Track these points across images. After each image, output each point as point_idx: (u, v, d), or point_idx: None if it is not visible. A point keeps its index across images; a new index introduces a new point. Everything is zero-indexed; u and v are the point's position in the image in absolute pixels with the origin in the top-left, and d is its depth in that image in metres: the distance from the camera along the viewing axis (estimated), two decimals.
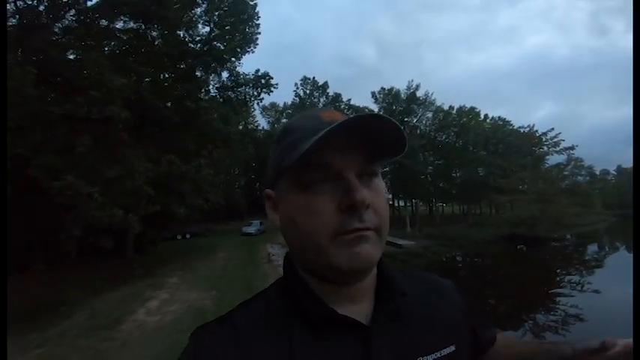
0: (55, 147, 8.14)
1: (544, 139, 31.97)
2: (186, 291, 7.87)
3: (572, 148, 28.45)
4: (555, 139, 29.90)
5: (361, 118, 0.41)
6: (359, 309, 0.48)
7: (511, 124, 45.26)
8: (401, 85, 50.61)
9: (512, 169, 29.16)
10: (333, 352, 0.43)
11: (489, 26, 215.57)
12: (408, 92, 39.96)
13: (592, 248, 24.77)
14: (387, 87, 40.51)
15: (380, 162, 0.48)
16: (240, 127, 28.27)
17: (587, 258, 20.59)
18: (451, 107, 43.38)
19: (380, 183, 0.48)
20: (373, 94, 40.64)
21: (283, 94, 66.44)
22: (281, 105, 42.63)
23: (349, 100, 40.64)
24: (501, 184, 28.18)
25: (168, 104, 13.32)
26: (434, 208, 44.83)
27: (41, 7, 10.82)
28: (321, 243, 0.43)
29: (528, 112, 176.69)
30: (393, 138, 0.44)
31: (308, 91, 40.39)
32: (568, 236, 28.28)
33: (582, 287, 12.55)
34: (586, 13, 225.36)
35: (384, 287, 0.51)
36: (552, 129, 31.18)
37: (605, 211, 61.74)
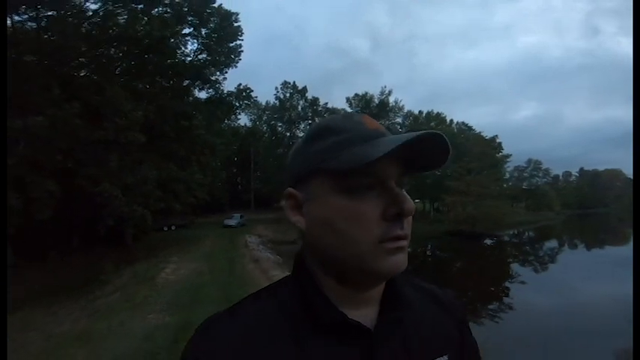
0: (94, 162, 11.42)
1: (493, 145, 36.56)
2: (187, 263, 11.48)
3: (508, 156, 33.34)
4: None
5: (424, 138, 0.41)
6: (365, 314, 0.48)
7: (473, 129, 50.23)
8: (389, 80, 53.56)
9: (460, 172, 33.55)
10: (338, 355, 0.44)
11: (485, 23, 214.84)
12: (382, 97, 43.85)
13: (550, 244, 27.51)
14: (372, 85, 43.38)
15: (411, 174, 0.49)
16: (223, 125, 31.25)
17: (540, 254, 23.38)
18: (420, 112, 47.96)
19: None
20: (348, 99, 44.39)
21: (270, 84, 66.65)
22: (263, 103, 45.11)
23: (326, 103, 43.80)
24: (452, 186, 32.75)
25: (168, 122, 16.55)
26: None
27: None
28: (364, 249, 0.44)
29: (513, 112, 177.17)
30: (438, 157, 0.45)
31: (288, 95, 43.34)
32: (505, 231, 32.92)
33: (512, 279, 14.64)
34: (583, 14, 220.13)
35: (391, 294, 0.51)
36: (496, 135, 36.01)
37: (562, 211, 66.48)
